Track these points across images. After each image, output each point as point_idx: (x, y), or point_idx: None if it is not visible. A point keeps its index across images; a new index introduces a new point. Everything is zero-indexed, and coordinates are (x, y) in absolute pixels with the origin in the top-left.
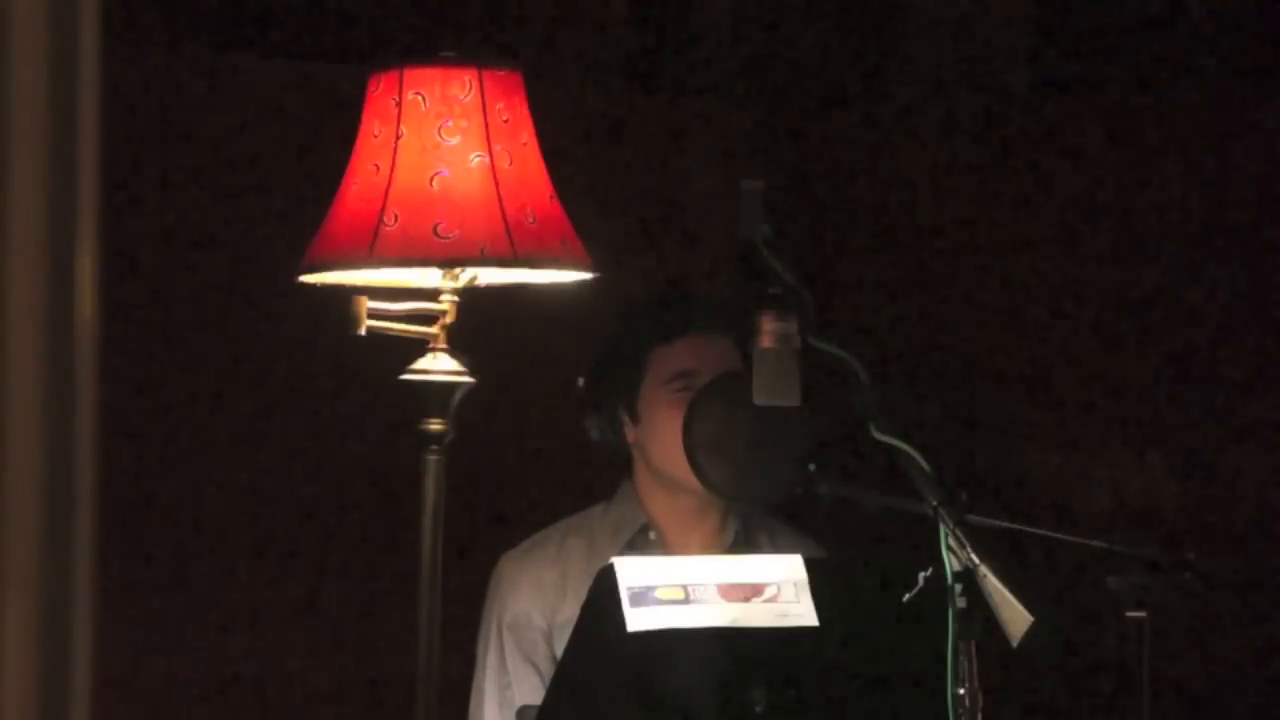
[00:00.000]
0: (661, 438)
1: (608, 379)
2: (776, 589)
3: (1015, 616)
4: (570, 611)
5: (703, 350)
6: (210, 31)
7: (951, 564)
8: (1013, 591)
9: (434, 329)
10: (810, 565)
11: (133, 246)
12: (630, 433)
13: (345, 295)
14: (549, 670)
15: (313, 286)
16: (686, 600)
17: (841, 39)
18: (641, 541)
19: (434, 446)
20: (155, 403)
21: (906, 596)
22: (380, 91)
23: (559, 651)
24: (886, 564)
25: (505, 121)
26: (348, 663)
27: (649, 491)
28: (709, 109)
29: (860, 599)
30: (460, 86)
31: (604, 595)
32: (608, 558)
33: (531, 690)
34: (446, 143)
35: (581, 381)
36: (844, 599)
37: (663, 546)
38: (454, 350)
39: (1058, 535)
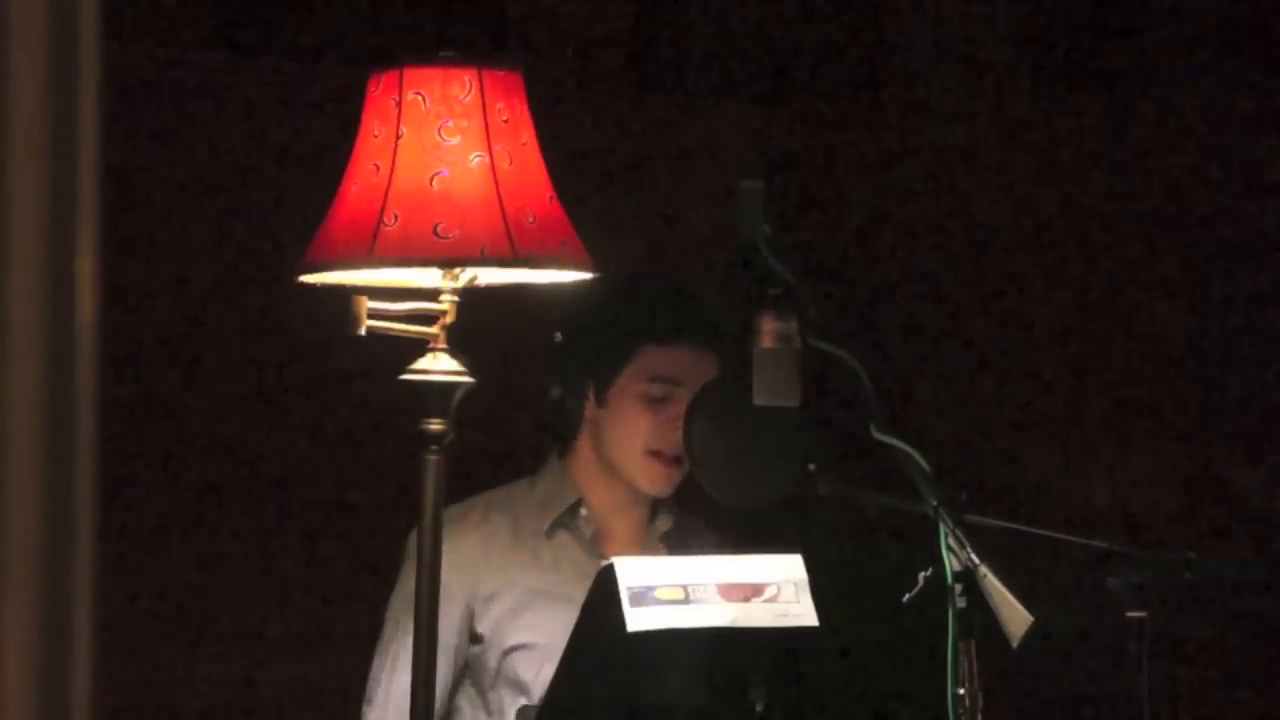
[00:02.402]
0: (622, 429)
1: (587, 351)
2: (776, 589)
3: (1015, 616)
4: (492, 586)
5: (691, 361)
6: (210, 31)
7: (951, 564)
8: (1013, 591)
9: (434, 329)
10: (810, 565)
11: (133, 246)
12: (589, 409)
13: (345, 295)
14: (462, 646)
15: (313, 286)
16: (686, 600)
17: (842, 38)
18: (570, 518)
19: (434, 446)
20: (155, 403)
21: (906, 596)
22: (380, 91)
23: (479, 625)
24: (886, 564)
25: (505, 121)
26: (346, 662)
27: (586, 472)
28: (709, 109)
29: (860, 599)
30: (460, 86)
31: (604, 595)
32: (536, 532)
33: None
34: (446, 143)
35: (559, 338)
36: (844, 599)
37: (594, 524)
38: (454, 350)
39: (1058, 535)
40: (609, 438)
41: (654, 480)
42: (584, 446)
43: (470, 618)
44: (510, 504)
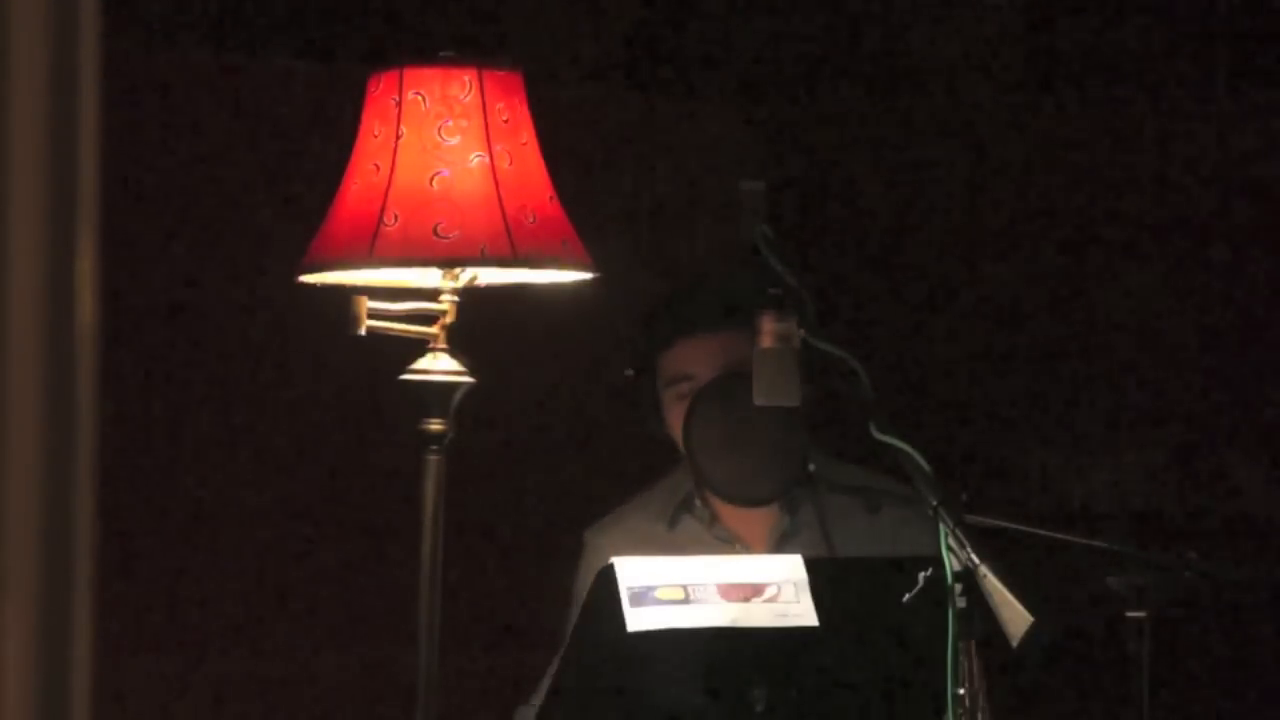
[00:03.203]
0: (677, 437)
1: (639, 383)
2: (776, 589)
3: (1015, 616)
4: None
5: (697, 352)
6: (210, 31)
7: (951, 564)
8: (1013, 591)
9: (434, 329)
10: (810, 565)
11: (133, 247)
12: (667, 428)
13: (345, 295)
14: None
15: (313, 286)
16: (686, 600)
17: (842, 39)
18: (689, 505)
19: (434, 446)
20: (155, 402)
21: (906, 596)
22: (380, 91)
23: None
24: (886, 564)
25: (505, 121)
26: (347, 662)
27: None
28: (708, 109)
29: (860, 599)
30: (460, 86)
31: (604, 595)
32: (663, 525)
33: None
34: (446, 143)
35: (630, 374)
36: (844, 599)
37: (711, 509)
38: (454, 350)
39: (1058, 535)
40: (682, 446)
41: None
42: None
43: None
44: (646, 503)
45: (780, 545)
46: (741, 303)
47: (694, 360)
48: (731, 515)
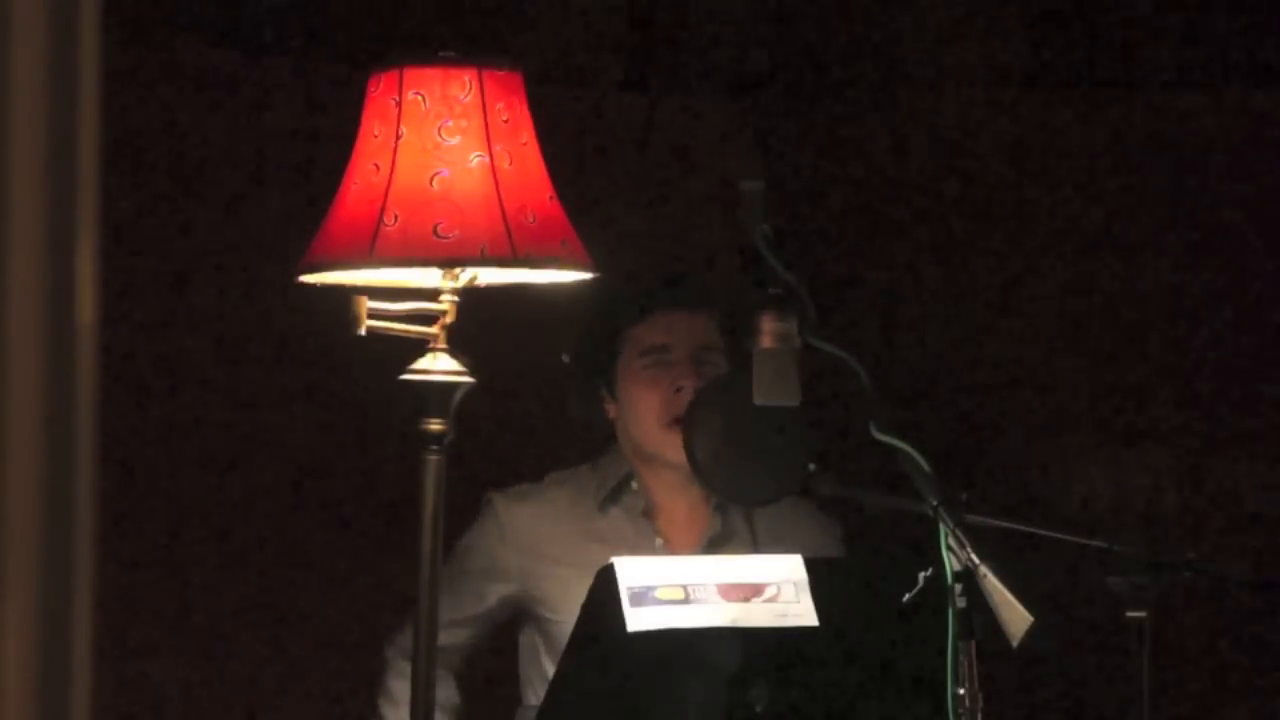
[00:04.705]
0: (637, 414)
1: (588, 357)
2: (776, 589)
3: (1015, 616)
4: (548, 561)
5: (673, 325)
6: (209, 31)
7: (951, 564)
8: (1013, 591)
9: (434, 329)
10: (810, 565)
11: (132, 246)
12: (611, 409)
13: (345, 295)
14: (499, 611)
15: (313, 286)
16: (686, 600)
17: (842, 38)
18: (624, 491)
19: (434, 446)
20: (155, 403)
21: (906, 596)
22: (380, 91)
23: (544, 601)
24: (886, 564)
25: (505, 121)
26: (346, 662)
27: (632, 459)
28: (709, 109)
29: (860, 599)
30: (460, 86)
31: (604, 595)
32: (590, 507)
33: (454, 606)
34: (446, 143)
35: (566, 358)
36: (844, 599)
37: (645, 499)
38: (454, 350)
39: (1058, 535)
40: (631, 426)
41: (680, 449)
42: (624, 439)
43: (523, 590)
44: (572, 483)
45: (709, 550)
46: (719, 288)
47: (671, 332)
48: (668, 516)
